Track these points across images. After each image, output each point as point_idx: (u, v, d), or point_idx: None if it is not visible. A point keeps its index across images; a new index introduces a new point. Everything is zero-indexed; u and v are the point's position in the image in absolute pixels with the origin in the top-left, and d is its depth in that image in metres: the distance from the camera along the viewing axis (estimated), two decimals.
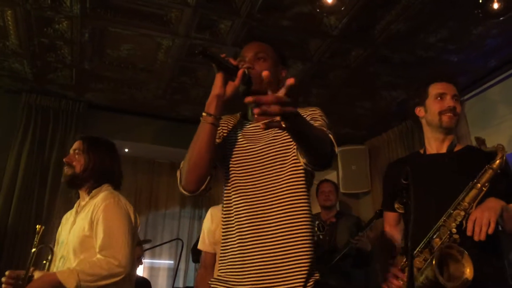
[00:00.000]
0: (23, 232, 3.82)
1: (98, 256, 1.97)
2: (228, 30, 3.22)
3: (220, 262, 1.57)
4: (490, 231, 1.62)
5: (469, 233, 1.65)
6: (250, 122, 1.66)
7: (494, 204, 1.70)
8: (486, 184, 1.76)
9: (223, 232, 1.58)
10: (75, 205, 2.29)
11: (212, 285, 1.54)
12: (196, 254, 3.99)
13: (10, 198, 3.90)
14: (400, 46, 3.38)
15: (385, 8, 2.97)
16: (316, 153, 1.34)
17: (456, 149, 2.01)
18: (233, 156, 1.59)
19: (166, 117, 4.74)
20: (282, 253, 1.43)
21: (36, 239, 2.15)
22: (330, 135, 1.39)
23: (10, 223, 3.82)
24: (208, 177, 1.51)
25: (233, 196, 1.55)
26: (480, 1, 2.34)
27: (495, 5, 2.45)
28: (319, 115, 1.55)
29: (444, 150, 2.00)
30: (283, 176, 1.51)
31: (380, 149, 5.03)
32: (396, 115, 4.48)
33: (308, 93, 4.18)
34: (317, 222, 3.23)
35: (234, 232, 1.52)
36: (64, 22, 3.20)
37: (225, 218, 1.58)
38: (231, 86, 1.47)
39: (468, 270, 1.60)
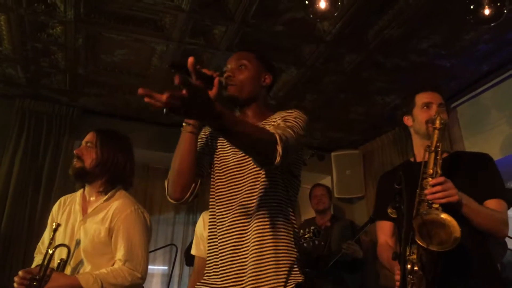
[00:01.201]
0: (16, 237, 3.80)
1: (121, 266, 1.95)
2: (222, 35, 3.23)
3: (206, 265, 1.61)
4: (438, 201, 1.67)
5: (431, 182, 1.70)
6: None
7: (463, 195, 1.73)
8: (438, 144, 1.79)
9: (208, 236, 1.61)
10: (78, 195, 2.17)
11: None
12: (189, 258, 3.98)
13: (3, 203, 3.88)
14: (393, 51, 3.40)
15: (378, 13, 2.99)
16: (251, 152, 1.36)
17: (444, 155, 2.03)
18: (218, 161, 1.65)
19: (160, 122, 4.72)
20: (254, 258, 1.46)
21: (51, 236, 2.02)
22: (276, 134, 1.35)
23: (3, 227, 3.80)
24: (193, 185, 1.54)
25: (217, 201, 1.60)
26: (472, 7, 2.36)
27: (486, 11, 2.47)
28: (294, 117, 1.56)
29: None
30: (259, 179, 1.54)
31: (374, 154, 5.05)
32: (390, 120, 4.50)
33: (302, 98, 4.19)
34: (312, 228, 3.21)
35: (216, 237, 1.57)
36: (58, 27, 3.20)
37: (210, 222, 1.62)
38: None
39: (453, 229, 1.58)
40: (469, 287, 1.73)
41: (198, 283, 1.59)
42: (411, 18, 2.98)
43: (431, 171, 1.75)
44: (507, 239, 3.37)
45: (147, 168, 5.12)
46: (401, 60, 3.52)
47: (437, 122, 1.83)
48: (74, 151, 2.12)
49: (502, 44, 3.30)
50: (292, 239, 1.54)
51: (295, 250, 1.53)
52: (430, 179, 1.73)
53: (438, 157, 1.77)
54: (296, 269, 1.50)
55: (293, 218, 1.58)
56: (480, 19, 2.51)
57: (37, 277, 1.85)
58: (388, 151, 4.77)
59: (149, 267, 2.10)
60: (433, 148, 1.79)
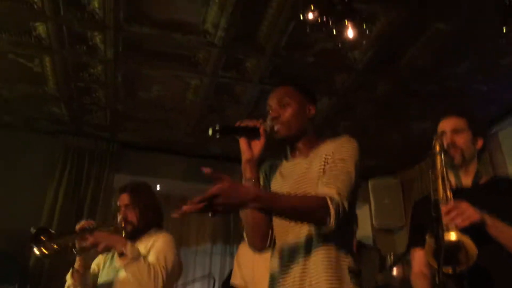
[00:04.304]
0: (64, 272, 3.87)
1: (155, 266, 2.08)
2: (254, 68, 3.30)
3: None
4: (461, 224, 1.59)
5: (443, 210, 1.62)
6: (287, 160, 1.71)
7: (488, 216, 1.66)
8: (443, 169, 1.76)
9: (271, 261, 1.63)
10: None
11: None
12: None
13: None
14: (426, 78, 3.36)
15: (409, 41, 2.98)
16: (302, 220, 1.43)
17: (482, 181, 1.96)
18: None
19: (196, 154, 4.81)
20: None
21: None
22: (327, 197, 1.38)
23: (48, 262, 3.88)
24: (271, 231, 1.59)
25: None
26: (504, 31, 2.33)
27: None
28: (344, 155, 1.56)
29: (469, 183, 1.97)
30: None
31: (413, 182, 4.91)
32: (428, 147, 4.38)
33: (336, 126, 4.17)
34: None
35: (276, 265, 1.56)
36: (99, 66, 3.36)
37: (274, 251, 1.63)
38: (257, 146, 1.55)
39: (469, 247, 1.54)
40: None
41: None
42: (442, 45, 2.96)
43: (441, 196, 1.70)
44: None
45: (184, 199, 5.18)
46: (436, 86, 3.47)
47: (437, 147, 1.81)
48: (120, 217, 2.33)
49: None
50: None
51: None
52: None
53: (445, 182, 1.73)
54: None
55: (351, 247, 1.58)
56: None
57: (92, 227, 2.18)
58: (429, 178, 4.62)
59: None
60: (438, 174, 1.74)
